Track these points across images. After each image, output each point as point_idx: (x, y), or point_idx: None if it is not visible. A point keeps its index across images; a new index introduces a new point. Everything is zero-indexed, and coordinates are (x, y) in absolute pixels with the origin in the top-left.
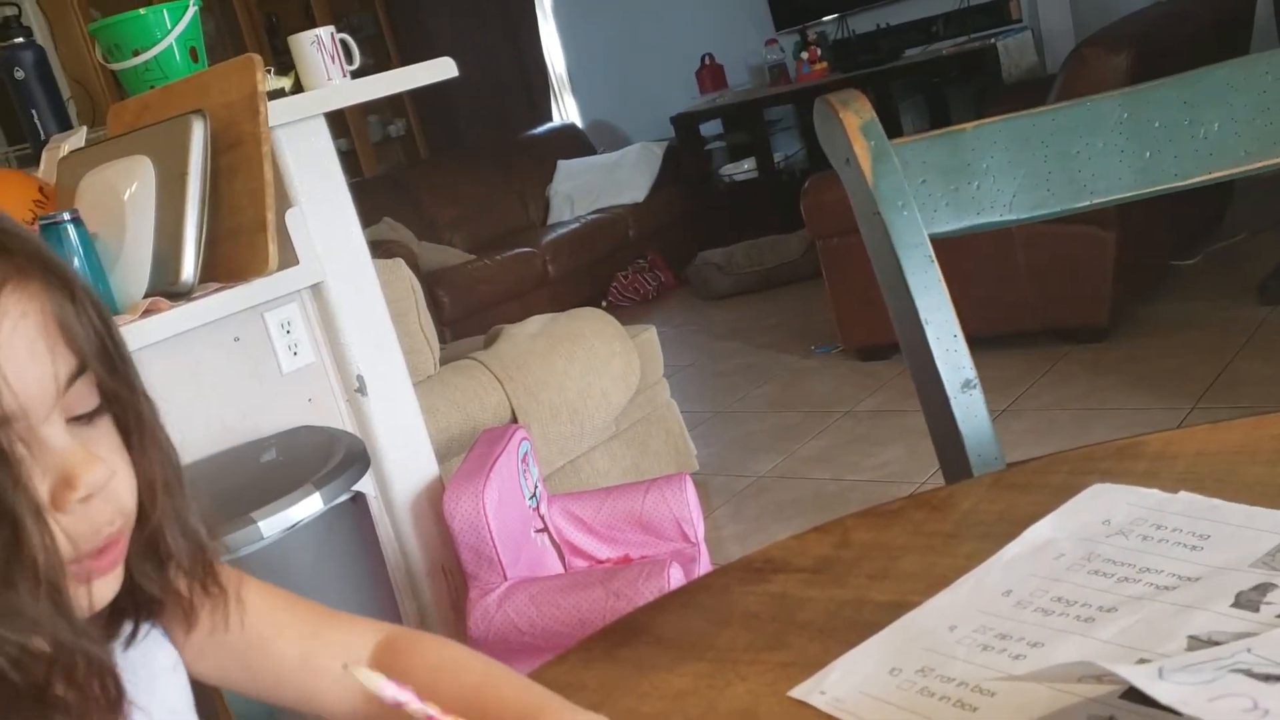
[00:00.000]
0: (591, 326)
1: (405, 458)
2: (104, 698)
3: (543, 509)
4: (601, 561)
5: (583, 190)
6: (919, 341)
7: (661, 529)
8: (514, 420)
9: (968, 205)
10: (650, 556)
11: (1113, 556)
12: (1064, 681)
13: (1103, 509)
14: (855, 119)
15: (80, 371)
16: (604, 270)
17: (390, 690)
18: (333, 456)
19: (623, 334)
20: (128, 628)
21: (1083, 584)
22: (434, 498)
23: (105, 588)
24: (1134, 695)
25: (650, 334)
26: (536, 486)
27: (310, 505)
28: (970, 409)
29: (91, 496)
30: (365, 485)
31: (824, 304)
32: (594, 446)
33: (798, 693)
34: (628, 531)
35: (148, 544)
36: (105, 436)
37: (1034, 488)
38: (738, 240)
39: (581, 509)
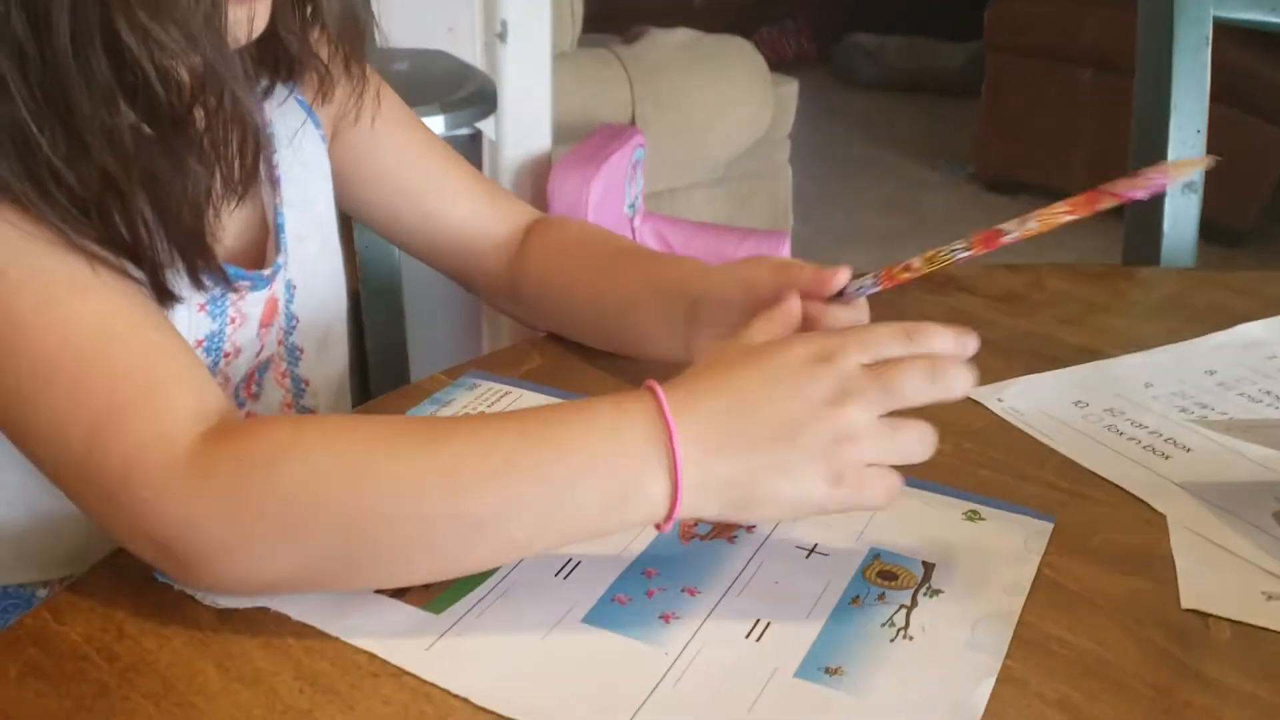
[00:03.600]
0: (739, 59)
1: (525, 118)
2: (239, 152)
3: (636, 222)
4: None
5: None
6: (1157, 125)
7: None
8: (632, 124)
9: None
10: None
11: None
12: None
13: None
14: None
15: None
16: (750, 18)
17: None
18: (464, 87)
19: (767, 78)
20: (264, 81)
21: None
22: (537, 171)
23: (250, 18)
24: None
25: (791, 88)
26: (637, 198)
27: (433, 125)
28: (1184, 213)
29: None
30: (486, 127)
31: (968, 123)
32: (696, 184)
33: (974, 394)
34: None
35: None
36: None
37: (1250, 294)
38: (898, 33)
39: (674, 235)
